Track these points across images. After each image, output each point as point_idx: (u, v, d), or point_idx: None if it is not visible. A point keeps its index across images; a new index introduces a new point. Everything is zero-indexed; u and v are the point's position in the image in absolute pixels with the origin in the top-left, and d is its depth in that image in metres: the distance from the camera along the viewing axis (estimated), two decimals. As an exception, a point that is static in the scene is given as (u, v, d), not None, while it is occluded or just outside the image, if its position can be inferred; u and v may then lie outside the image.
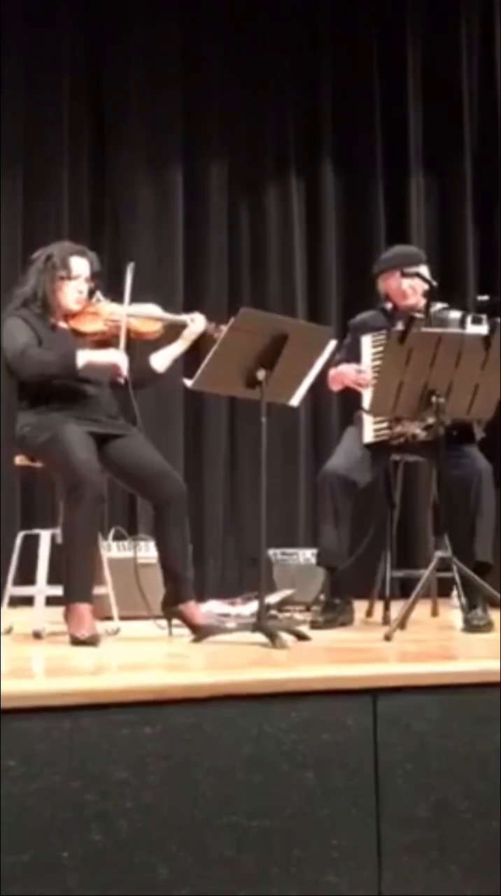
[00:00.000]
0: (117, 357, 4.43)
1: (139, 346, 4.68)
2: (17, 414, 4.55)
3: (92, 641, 4.07)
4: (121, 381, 4.46)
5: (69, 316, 4.57)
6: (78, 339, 4.56)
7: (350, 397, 5.06)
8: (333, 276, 7.46)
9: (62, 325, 4.57)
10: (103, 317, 4.58)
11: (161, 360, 4.69)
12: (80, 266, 4.57)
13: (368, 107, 7.54)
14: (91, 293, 4.61)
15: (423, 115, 7.61)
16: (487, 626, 4.51)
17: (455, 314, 4.89)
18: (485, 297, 5.05)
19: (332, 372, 4.98)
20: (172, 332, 4.67)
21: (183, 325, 4.64)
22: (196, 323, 4.61)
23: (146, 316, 4.63)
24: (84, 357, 4.38)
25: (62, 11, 7.03)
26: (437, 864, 3.04)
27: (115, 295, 4.65)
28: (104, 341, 4.56)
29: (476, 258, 7.58)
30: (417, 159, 7.58)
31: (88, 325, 4.57)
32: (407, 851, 3.02)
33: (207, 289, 7.23)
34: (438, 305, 4.89)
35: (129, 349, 4.55)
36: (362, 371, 4.80)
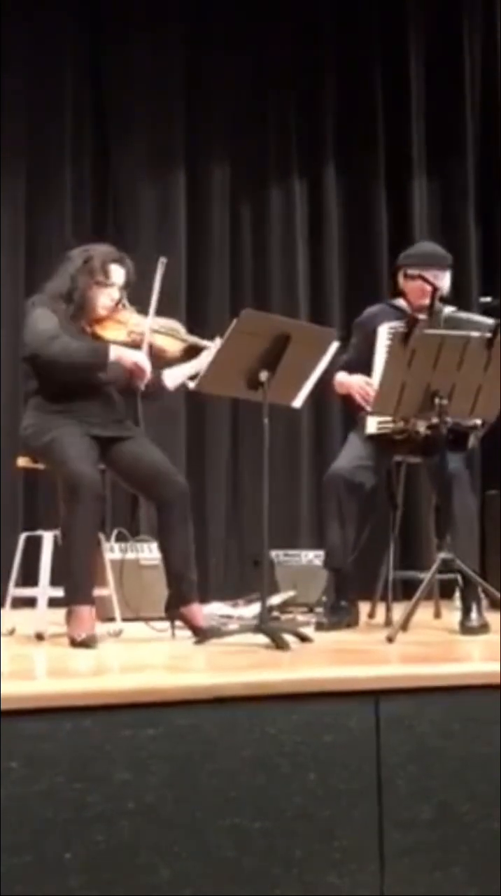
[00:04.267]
0: (143, 360, 4.42)
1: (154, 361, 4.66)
2: (23, 415, 4.55)
3: (88, 643, 4.07)
4: (140, 385, 4.44)
5: (94, 320, 4.54)
6: (101, 343, 4.54)
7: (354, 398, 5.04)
8: (335, 278, 7.46)
9: (87, 328, 4.54)
10: (128, 327, 4.54)
11: (172, 378, 4.68)
12: (118, 274, 4.54)
13: (371, 108, 7.54)
14: (118, 301, 4.58)
15: (425, 116, 7.62)
16: (481, 629, 4.53)
17: (466, 314, 4.92)
18: (488, 299, 5.06)
19: (340, 378, 4.98)
20: (190, 352, 4.66)
21: (202, 349, 4.62)
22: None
23: (169, 334, 4.61)
24: (114, 352, 4.39)
25: (64, 13, 7.03)
26: (439, 866, 3.04)
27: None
28: None
29: (479, 259, 7.59)
30: (420, 161, 7.58)
31: (111, 333, 4.53)
32: (408, 853, 3.02)
33: (210, 290, 7.23)
34: (447, 310, 4.89)
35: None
36: (370, 384, 4.78)
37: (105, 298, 4.53)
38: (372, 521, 4.99)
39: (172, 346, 4.61)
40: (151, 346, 4.54)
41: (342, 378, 4.99)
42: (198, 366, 4.60)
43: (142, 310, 4.57)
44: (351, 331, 5.24)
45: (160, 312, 4.62)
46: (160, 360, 4.65)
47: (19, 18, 6.85)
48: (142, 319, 4.54)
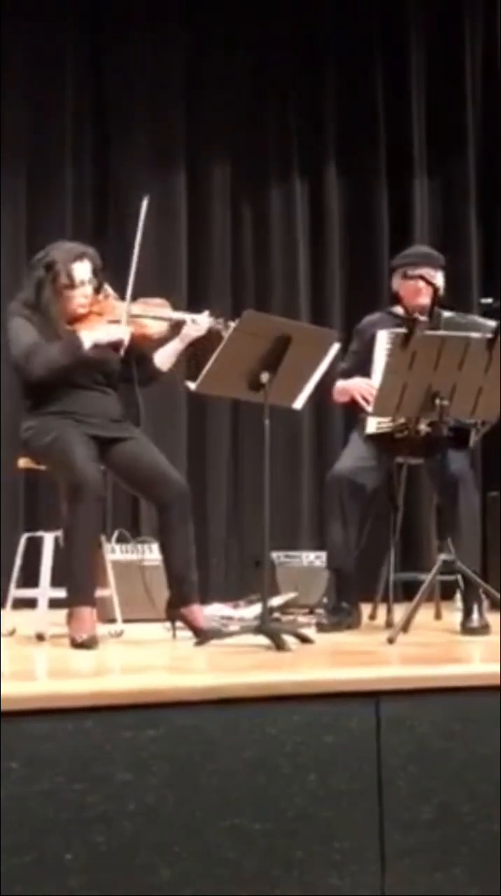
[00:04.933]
0: (120, 332, 4.41)
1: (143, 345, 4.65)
2: (22, 416, 4.55)
3: (89, 644, 4.06)
4: (121, 352, 4.44)
5: (74, 319, 4.53)
6: None
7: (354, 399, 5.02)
8: (337, 279, 7.46)
9: (67, 328, 4.53)
10: (108, 317, 4.52)
11: (163, 358, 4.66)
12: (82, 271, 4.48)
13: (371, 108, 7.54)
14: (97, 289, 4.56)
15: (426, 116, 7.62)
16: (482, 629, 4.53)
17: (465, 319, 4.92)
18: (488, 301, 5.06)
19: (340, 385, 4.97)
20: (177, 328, 4.65)
21: (183, 323, 4.61)
22: (198, 324, 4.57)
23: (151, 315, 4.60)
24: (88, 338, 4.38)
25: (65, 14, 7.03)
26: (440, 867, 3.04)
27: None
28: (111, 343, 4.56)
29: (480, 259, 7.59)
30: (421, 160, 7.58)
31: (93, 327, 4.55)
32: (409, 853, 3.02)
33: (210, 292, 7.22)
34: (446, 314, 4.89)
35: (134, 348, 4.54)
36: (372, 385, 4.77)
37: (78, 299, 4.49)
38: (371, 522, 4.99)
39: (158, 328, 4.59)
40: (134, 335, 4.51)
41: (341, 384, 4.98)
42: (182, 343, 4.60)
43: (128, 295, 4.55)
44: (350, 336, 5.23)
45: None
46: (149, 344, 4.63)
47: (19, 18, 6.85)
48: (123, 305, 4.51)
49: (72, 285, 4.46)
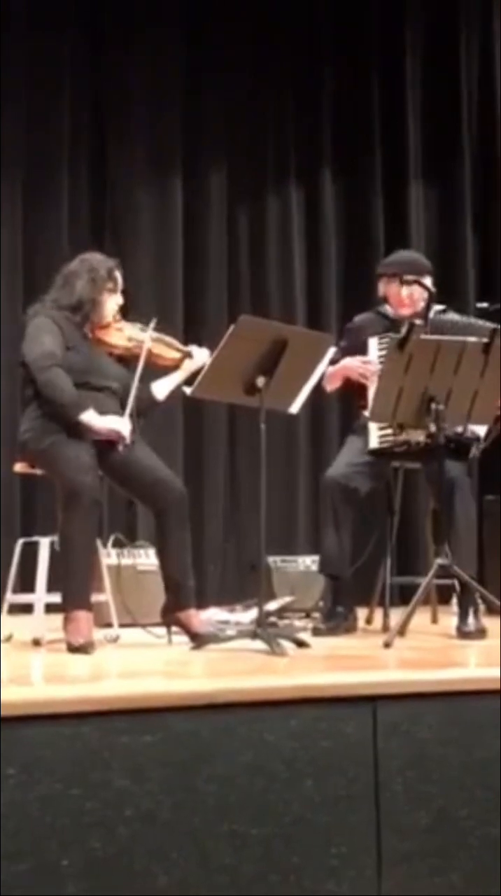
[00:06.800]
0: (120, 425, 4.40)
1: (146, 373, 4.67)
2: (22, 417, 4.55)
3: (85, 648, 4.06)
4: (121, 448, 4.43)
5: (101, 325, 4.60)
6: (100, 347, 4.58)
7: (350, 402, 5.01)
8: (333, 284, 7.47)
9: (90, 335, 4.59)
10: (127, 334, 4.61)
11: (161, 389, 4.71)
12: (120, 280, 4.63)
13: (367, 114, 7.56)
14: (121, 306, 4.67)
15: (422, 122, 7.64)
16: (479, 633, 4.53)
17: (453, 315, 4.91)
18: (485, 304, 5.06)
19: (330, 369, 4.88)
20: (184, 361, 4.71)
21: (189, 356, 4.65)
22: (198, 357, 4.63)
23: (166, 342, 4.66)
24: (89, 416, 4.35)
25: (64, 17, 7.03)
26: (437, 872, 3.04)
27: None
28: (123, 357, 4.61)
29: (476, 265, 7.60)
30: (416, 166, 7.60)
31: (114, 338, 4.61)
32: (406, 859, 3.02)
33: (207, 296, 7.24)
34: (436, 308, 4.88)
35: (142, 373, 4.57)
36: (368, 362, 4.76)
37: (112, 304, 4.60)
38: (376, 530, 4.98)
39: (173, 355, 4.67)
40: (152, 355, 4.60)
41: (332, 368, 4.82)
42: (183, 375, 4.66)
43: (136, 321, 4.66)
44: (341, 334, 5.22)
45: (159, 322, 4.69)
46: (157, 367, 4.68)
47: (19, 23, 6.86)
48: (140, 331, 4.60)
49: (115, 289, 4.58)
